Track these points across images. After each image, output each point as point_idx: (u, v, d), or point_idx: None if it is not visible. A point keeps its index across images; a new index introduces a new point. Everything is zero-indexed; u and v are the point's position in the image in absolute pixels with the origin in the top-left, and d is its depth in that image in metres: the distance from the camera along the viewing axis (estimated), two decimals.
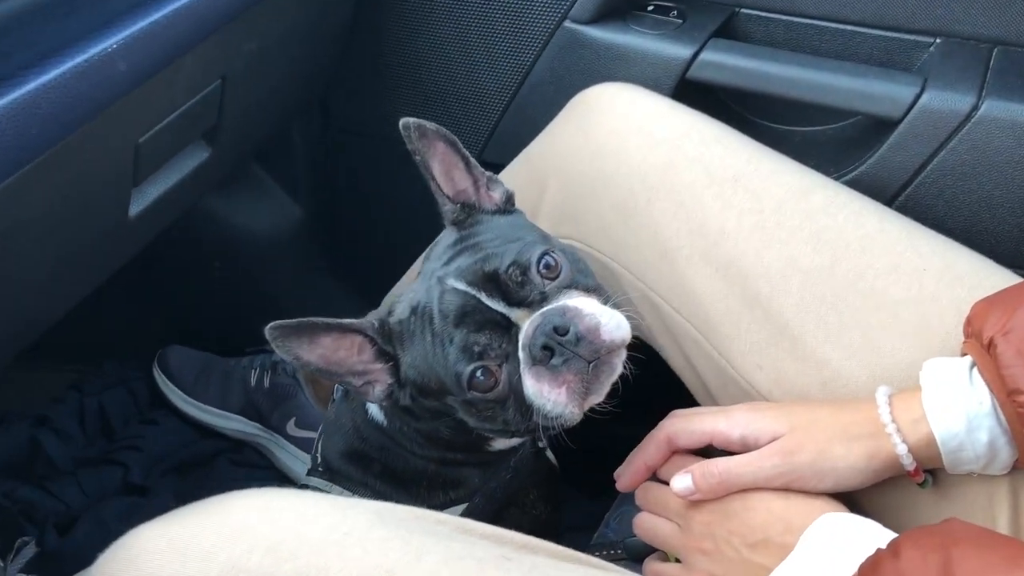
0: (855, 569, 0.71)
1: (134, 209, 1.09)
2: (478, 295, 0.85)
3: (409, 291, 0.93)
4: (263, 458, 1.58)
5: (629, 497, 1.05)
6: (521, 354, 0.83)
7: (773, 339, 0.95)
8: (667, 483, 0.90)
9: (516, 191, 0.99)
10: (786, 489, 0.84)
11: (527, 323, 0.84)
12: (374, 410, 1.01)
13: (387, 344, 0.90)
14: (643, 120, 1.06)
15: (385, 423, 1.00)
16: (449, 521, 0.79)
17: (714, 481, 0.85)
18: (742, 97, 1.26)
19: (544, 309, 0.84)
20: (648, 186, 1.03)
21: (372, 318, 0.91)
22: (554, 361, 0.82)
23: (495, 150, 1.38)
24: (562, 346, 0.81)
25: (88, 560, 0.78)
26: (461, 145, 0.95)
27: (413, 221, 1.51)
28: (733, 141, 1.05)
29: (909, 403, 0.83)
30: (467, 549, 0.74)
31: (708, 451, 0.90)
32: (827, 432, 0.84)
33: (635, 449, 0.95)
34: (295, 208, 1.62)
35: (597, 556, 1.01)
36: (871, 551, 0.71)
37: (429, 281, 0.89)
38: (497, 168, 1.21)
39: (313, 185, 1.61)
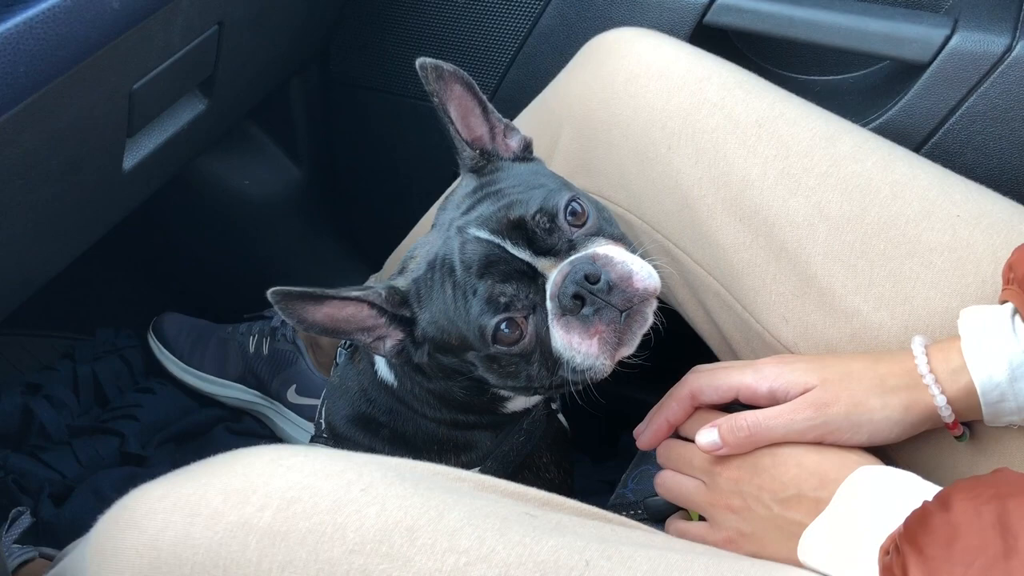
0: (896, 523, 0.68)
1: (128, 162, 1.04)
2: (503, 244, 0.81)
3: (422, 244, 0.89)
4: (263, 427, 1.54)
5: (648, 456, 1.01)
6: (549, 304, 0.80)
7: (800, 290, 0.92)
8: (690, 440, 0.86)
9: None
10: (818, 443, 0.80)
11: (555, 272, 0.80)
12: (383, 371, 0.97)
13: (399, 309, 0.86)
14: (663, 65, 1.01)
15: (395, 384, 0.96)
16: (469, 478, 0.75)
17: (743, 435, 0.81)
18: (760, 46, 1.21)
19: (573, 257, 0.80)
20: (668, 133, 0.98)
21: (380, 285, 0.87)
22: (585, 311, 0.79)
23: (501, 104, 1.32)
24: (594, 295, 0.78)
25: (85, 531, 0.74)
26: (478, 89, 0.91)
27: (415, 179, 1.47)
28: (756, 86, 1.01)
29: (947, 353, 0.80)
30: (490, 506, 0.70)
31: (730, 408, 0.87)
32: (862, 384, 0.81)
33: (656, 406, 0.91)
34: (293, 169, 1.57)
35: None
36: (913, 504, 0.68)
37: (447, 232, 0.85)
38: None
39: (312, 145, 1.56)
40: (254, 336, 1.54)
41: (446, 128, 0.90)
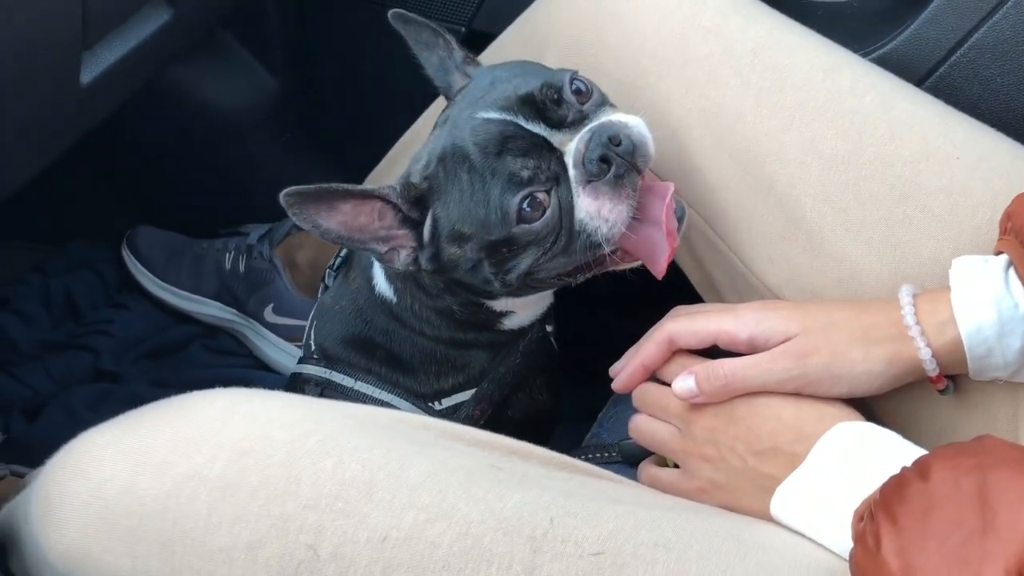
0: (872, 486, 0.66)
1: (86, 76, 0.98)
2: (515, 120, 0.81)
3: (425, 147, 0.87)
4: (240, 345, 1.51)
5: (624, 396, 0.99)
6: (573, 172, 0.80)
7: (788, 231, 0.88)
8: (667, 384, 0.83)
9: None
10: (797, 394, 0.78)
11: (576, 139, 0.81)
12: (383, 287, 0.96)
13: (412, 208, 0.85)
14: None
15: (395, 300, 0.95)
16: (435, 426, 0.72)
17: (719, 384, 0.79)
18: None
19: (591, 125, 0.82)
20: (659, 60, 0.93)
21: (393, 182, 0.86)
22: (612, 174, 0.80)
23: (486, 18, 1.26)
24: (620, 156, 0.80)
25: (58, 448, 0.72)
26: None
27: (399, 92, 1.40)
28: (753, 11, 0.95)
29: (936, 304, 0.77)
30: (455, 458, 0.68)
31: (711, 352, 0.84)
32: (845, 334, 0.78)
33: (632, 347, 0.88)
34: (269, 78, 1.50)
35: (590, 458, 0.96)
36: (891, 466, 0.66)
37: (454, 127, 0.84)
38: (489, 39, 1.11)
39: (288, 52, 1.48)
40: (230, 253, 1.50)
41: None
